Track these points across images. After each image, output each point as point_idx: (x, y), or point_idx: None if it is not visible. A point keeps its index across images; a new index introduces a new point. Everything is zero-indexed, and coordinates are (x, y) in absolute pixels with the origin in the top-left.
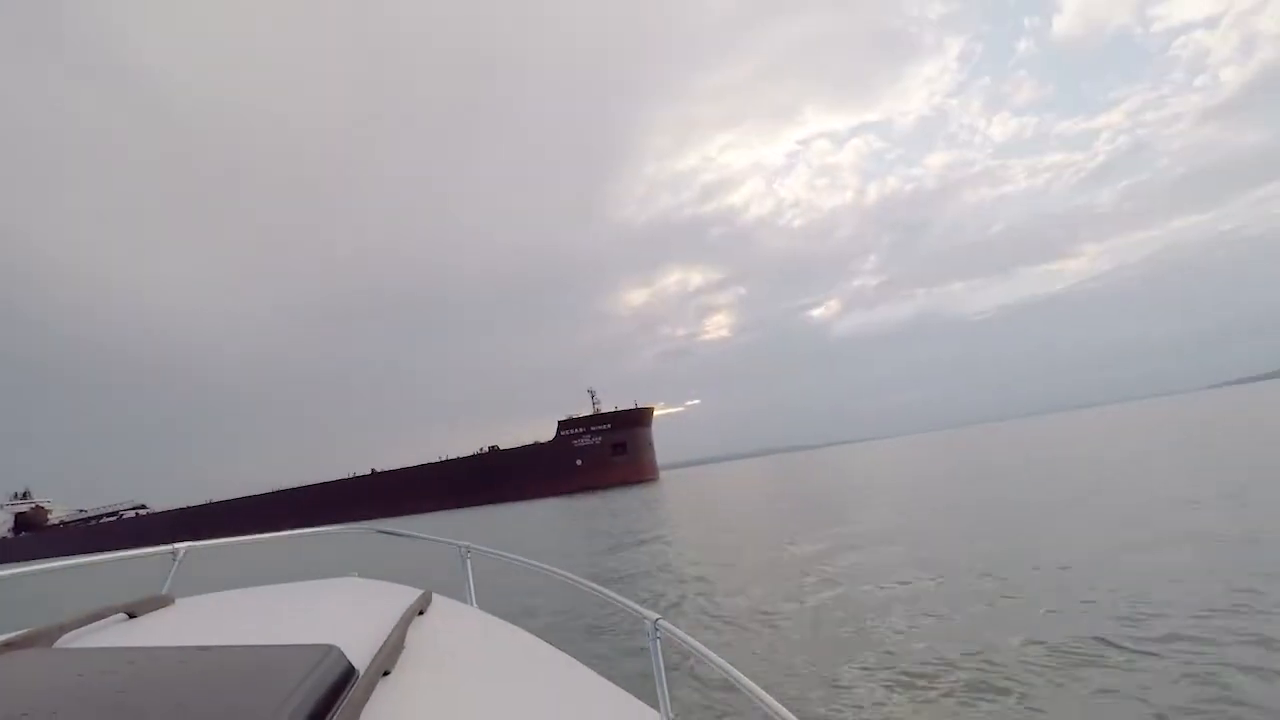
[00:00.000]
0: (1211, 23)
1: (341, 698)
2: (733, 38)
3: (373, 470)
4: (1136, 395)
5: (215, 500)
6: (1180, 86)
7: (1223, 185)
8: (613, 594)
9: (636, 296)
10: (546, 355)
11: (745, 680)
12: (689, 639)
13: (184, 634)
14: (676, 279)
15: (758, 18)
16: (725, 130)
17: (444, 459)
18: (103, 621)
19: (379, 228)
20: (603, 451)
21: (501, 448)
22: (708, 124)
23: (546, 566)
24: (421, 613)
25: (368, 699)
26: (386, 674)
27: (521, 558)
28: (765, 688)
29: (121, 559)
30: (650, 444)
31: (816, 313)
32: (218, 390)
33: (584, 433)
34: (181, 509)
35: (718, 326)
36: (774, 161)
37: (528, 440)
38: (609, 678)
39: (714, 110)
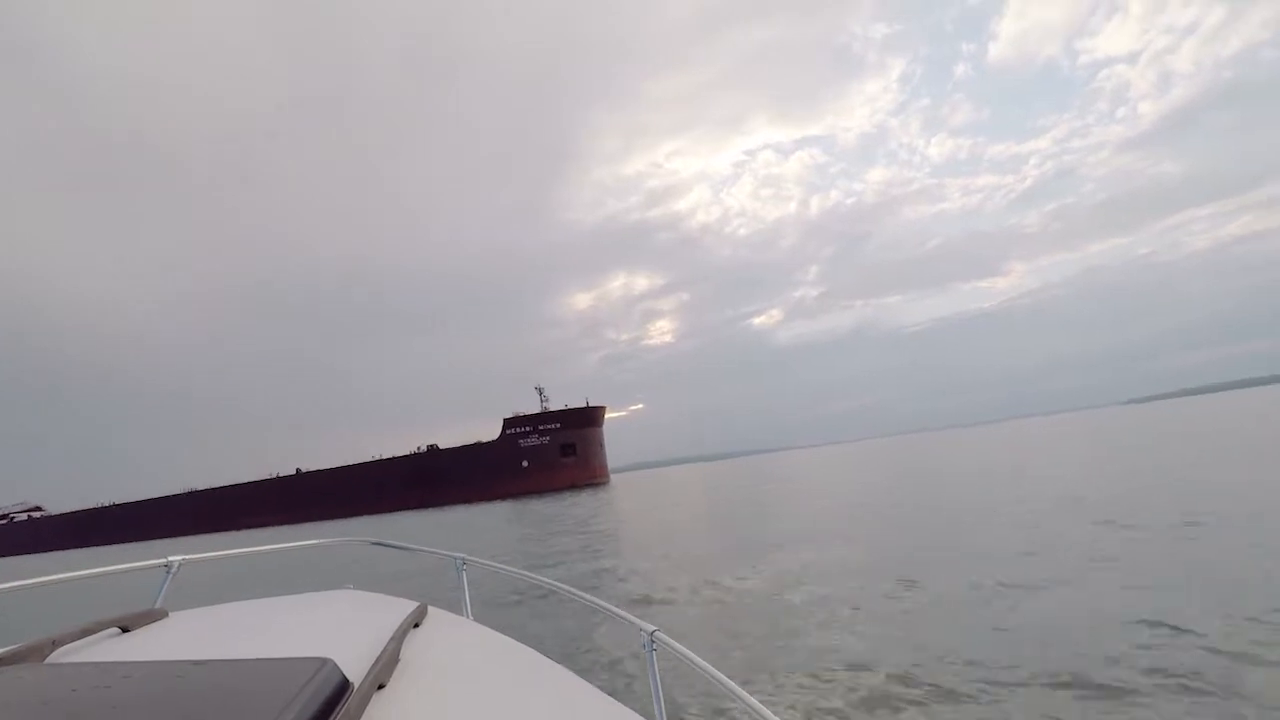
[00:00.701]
0: (1132, 58)
1: (336, 711)
2: (684, 47)
3: (298, 470)
4: (1059, 409)
5: (120, 502)
6: (1103, 117)
7: (1139, 212)
8: (609, 605)
9: (582, 300)
10: (492, 356)
11: (742, 693)
12: (686, 651)
13: (178, 648)
14: (622, 283)
15: (709, 29)
16: (673, 137)
17: (377, 458)
18: (96, 636)
19: (317, 222)
20: (551, 452)
21: (441, 447)
22: (656, 130)
23: (542, 578)
24: (417, 625)
25: (363, 713)
26: (381, 687)
27: (517, 569)
28: (762, 700)
29: (114, 573)
30: (601, 445)
31: (759, 321)
32: (136, 387)
33: (531, 432)
34: (80, 511)
35: (662, 332)
36: (721, 170)
37: (471, 440)
38: (605, 690)
39: (663, 117)
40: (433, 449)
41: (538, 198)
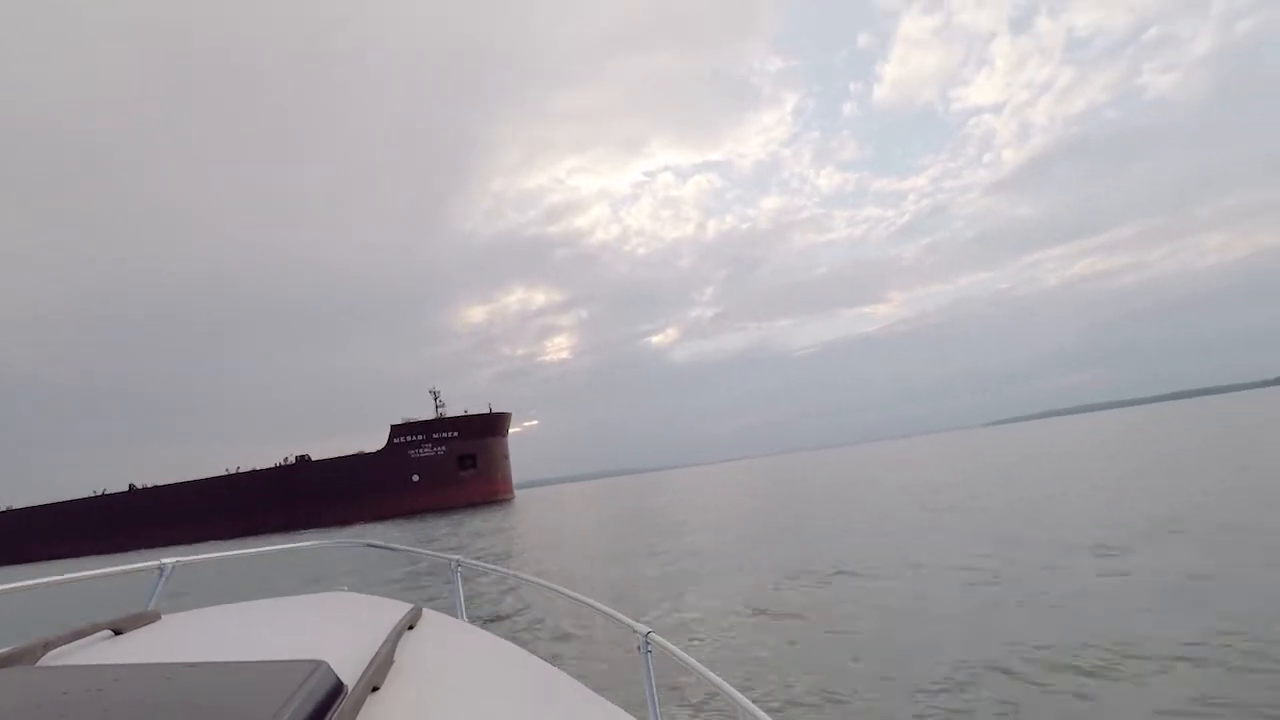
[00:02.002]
0: (998, 109)
1: (330, 714)
2: (588, 66)
3: (131, 487)
4: (932, 429)
5: None
6: (972, 161)
7: (1002, 250)
8: (603, 606)
9: (476, 313)
10: (384, 366)
11: (737, 694)
12: (680, 652)
13: (171, 650)
14: (519, 298)
15: (613, 51)
16: (575, 154)
17: (231, 472)
18: (88, 639)
19: (184, 219)
20: (447, 464)
21: (314, 458)
22: (559, 146)
23: (538, 580)
24: (411, 627)
25: (356, 715)
26: (376, 690)
27: (513, 571)
28: (756, 701)
29: (106, 575)
30: (506, 457)
31: (656, 339)
32: None
33: (424, 441)
34: None
35: (559, 348)
36: (621, 189)
37: (352, 450)
38: (600, 692)
39: (565, 133)
40: (303, 460)
41: (435, 204)
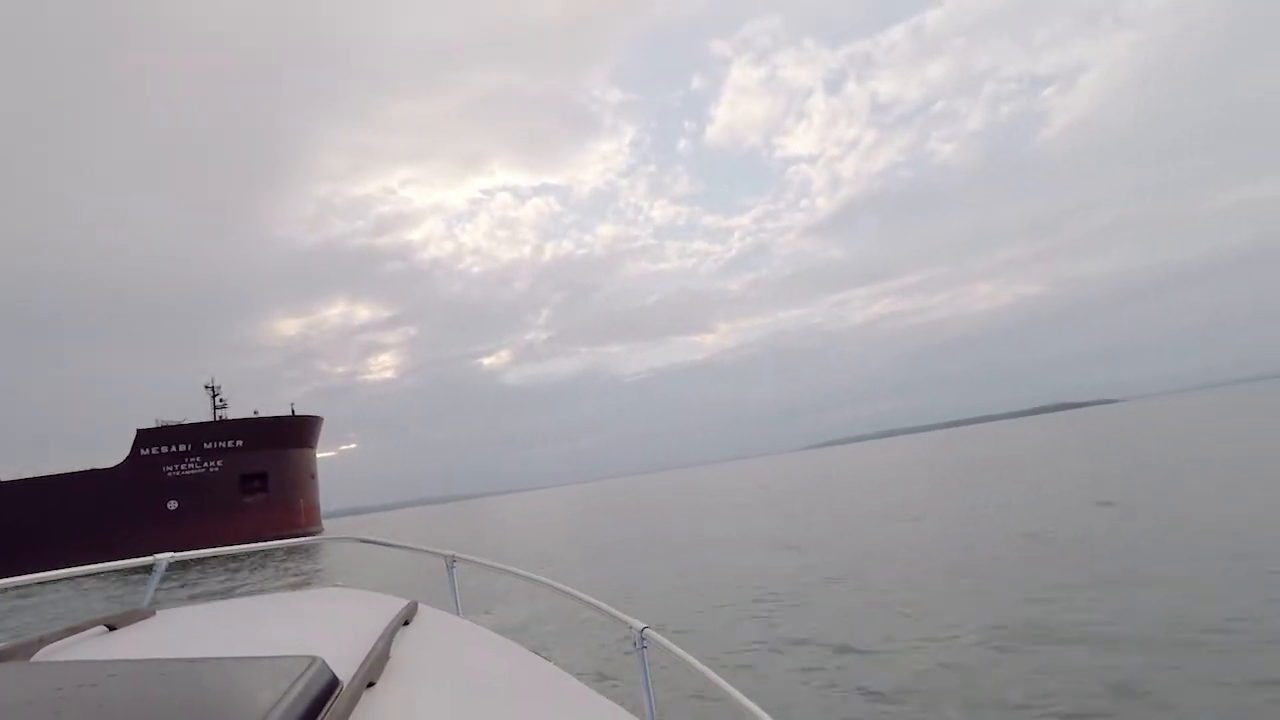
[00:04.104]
0: (813, 159)
1: (325, 710)
2: (430, 76)
3: None
4: (757, 453)
5: None
6: (791, 205)
7: (815, 288)
8: (599, 602)
9: (290, 326)
10: (162, 382)
11: (732, 690)
12: (676, 648)
13: (165, 646)
14: (340, 311)
15: (451, 62)
16: (409, 164)
17: None
18: (82, 635)
19: None
20: (224, 485)
21: (17, 478)
22: (391, 154)
23: (533, 575)
24: (407, 623)
25: (351, 711)
26: (371, 685)
27: (508, 567)
28: (751, 697)
29: (100, 572)
30: (313, 475)
31: (489, 361)
32: None
33: (189, 453)
34: None
35: (383, 367)
36: (457, 206)
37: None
38: (595, 688)
39: (400, 141)
40: None
41: (248, 207)
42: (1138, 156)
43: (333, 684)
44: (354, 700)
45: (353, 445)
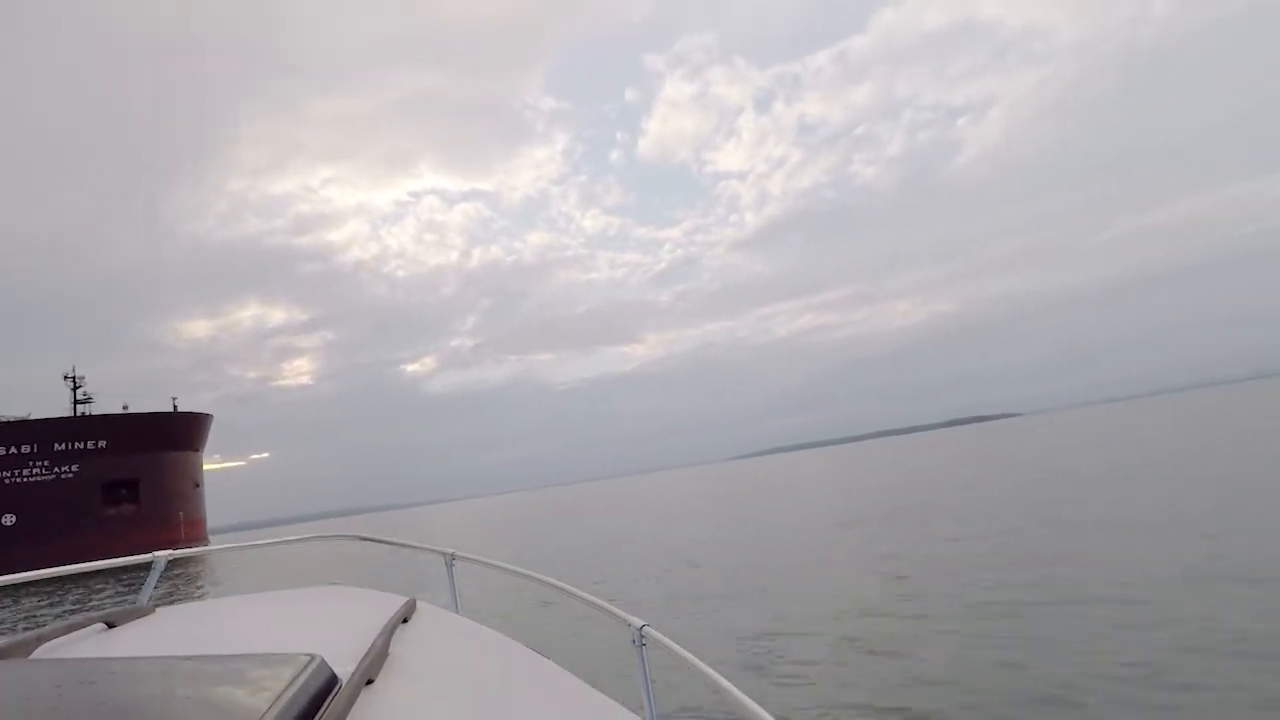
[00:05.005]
0: (742, 176)
1: (324, 707)
2: (357, 72)
3: None
4: (684, 463)
5: None
6: (720, 220)
7: (741, 302)
8: (598, 600)
9: (199, 327)
10: (46, 383)
11: (731, 687)
12: (675, 646)
13: (164, 644)
14: (253, 313)
15: (379, 59)
16: (332, 163)
17: None
18: (81, 632)
19: None
20: (83, 495)
21: None
22: (313, 151)
23: (532, 573)
24: (406, 620)
25: (351, 708)
26: (370, 683)
27: (507, 564)
28: (751, 694)
29: (99, 569)
30: (198, 484)
31: (412, 368)
32: None
33: (34, 455)
34: None
35: (299, 372)
36: (382, 207)
37: None
38: (594, 685)
39: (322, 138)
40: None
41: (152, 197)
42: (1041, 187)
43: (332, 681)
44: (353, 697)
45: (265, 455)
